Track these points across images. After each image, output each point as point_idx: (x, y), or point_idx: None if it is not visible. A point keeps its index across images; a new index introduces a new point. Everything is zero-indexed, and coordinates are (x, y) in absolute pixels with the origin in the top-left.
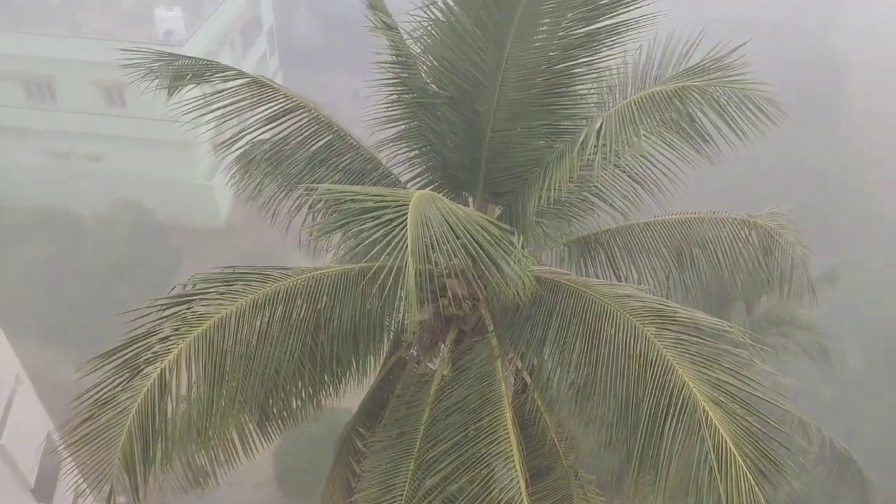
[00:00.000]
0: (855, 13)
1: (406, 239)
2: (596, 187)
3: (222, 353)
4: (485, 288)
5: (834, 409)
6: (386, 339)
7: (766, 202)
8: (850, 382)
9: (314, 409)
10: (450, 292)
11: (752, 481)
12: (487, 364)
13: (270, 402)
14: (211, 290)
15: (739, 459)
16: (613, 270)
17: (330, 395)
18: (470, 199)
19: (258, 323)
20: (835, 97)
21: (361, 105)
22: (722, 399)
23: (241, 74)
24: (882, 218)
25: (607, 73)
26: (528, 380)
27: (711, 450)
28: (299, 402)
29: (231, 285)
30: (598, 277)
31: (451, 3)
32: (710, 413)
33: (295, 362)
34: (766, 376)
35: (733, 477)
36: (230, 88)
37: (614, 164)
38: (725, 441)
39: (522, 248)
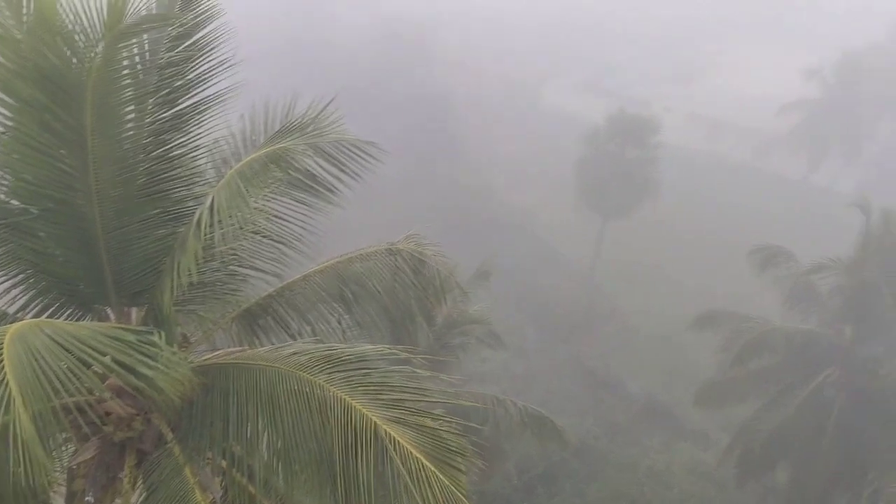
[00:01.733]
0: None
1: (8, 383)
2: (241, 258)
3: None
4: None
5: (526, 379)
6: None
7: (423, 223)
8: (532, 352)
9: None
10: (114, 415)
11: (445, 481)
12: (175, 476)
13: None
14: None
15: (427, 463)
16: (286, 331)
17: None
18: (108, 310)
19: None
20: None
21: None
22: (399, 416)
23: None
24: (517, 224)
25: (216, 146)
26: (232, 472)
27: (401, 465)
28: None
29: None
30: (273, 344)
31: (7, 112)
32: (391, 433)
33: None
34: (457, 370)
35: (426, 481)
36: None
37: (252, 232)
38: (411, 452)
39: (169, 344)
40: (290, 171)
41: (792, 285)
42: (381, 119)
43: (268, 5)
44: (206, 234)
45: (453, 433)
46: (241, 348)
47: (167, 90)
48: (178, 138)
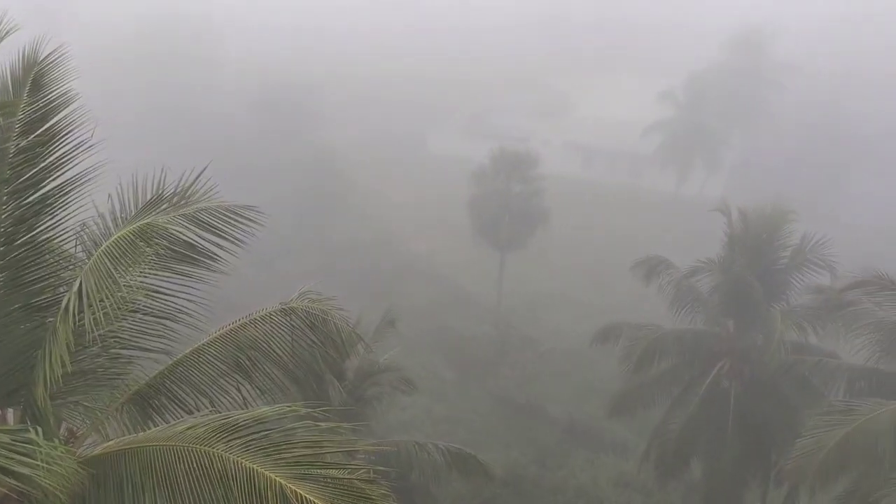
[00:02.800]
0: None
1: None
2: (124, 340)
3: None
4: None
5: (449, 421)
6: None
7: (324, 279)
8: (452, 394)
9: None
10: None
11: None
12: None
13: None
14: None
15: None
16: (183, 409)
17: None
18: None
19: None
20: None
21: None
22: (304, 472)
23: None
24: (421, 269)
25: (85, 228)
26: None
27: None
28: None
29: None
30: (168, 423)
31: None
32: (299, 491)
33: None
34: (377, 421)
35: None
36: None
37: (132, 311)
38: None
39: (48, 439)
40: (160, 245)
41: (675, 290)
42: (270, 184)
43: (144, 78)
44: (76, 321)
45: (370, 481)
46: (132, 434)
47: (27, 175)
48: (45, 222)
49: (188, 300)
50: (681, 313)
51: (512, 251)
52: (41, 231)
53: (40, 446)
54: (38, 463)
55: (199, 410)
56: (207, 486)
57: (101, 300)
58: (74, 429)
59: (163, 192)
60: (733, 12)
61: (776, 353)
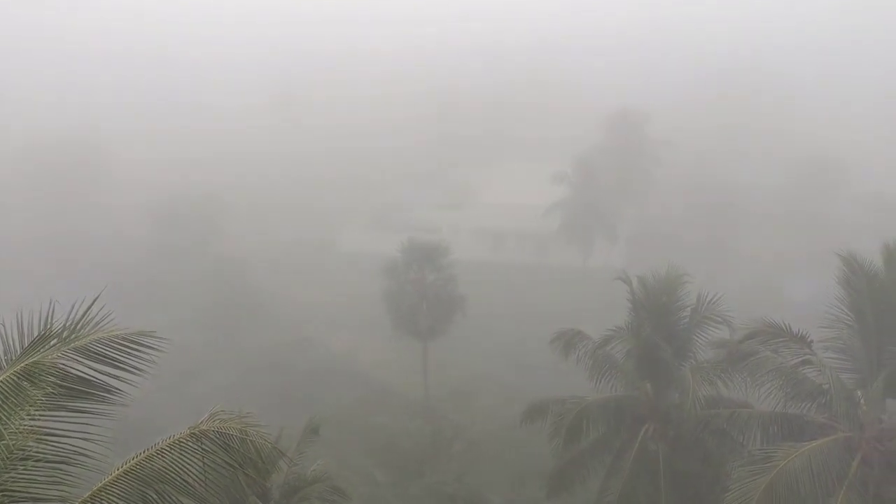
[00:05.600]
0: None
1: None
2: (13, 492)
3: None
4: None
5: None
6: None
7: (243, 393)
8: (386, 496)
9: None
10: None
11: None
12: None
13: None
14: None
15: None
16: None
17: None
18: None
19: None
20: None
21: None
22: None
23: None
24: (343, 370)
25: None
26: None
27: None
28: None
29: None
30: None
31: None
32: None
33: None
34: None
35: None
36: None
37: (22, 458)
38: None
39: None
40: (49, 384)
41: (592, 360)
42: (176, 302)
43: (33, 204)
44: None
45: None
46: None
47: None
48: None
49: (86, 439)
50: (601, 382)
51: (433, 340)
52: None
53: None
54: None
55: None
56: None
57: None
58: None
59: (51, 327)
60: (608, 94)
61: (692, 410)
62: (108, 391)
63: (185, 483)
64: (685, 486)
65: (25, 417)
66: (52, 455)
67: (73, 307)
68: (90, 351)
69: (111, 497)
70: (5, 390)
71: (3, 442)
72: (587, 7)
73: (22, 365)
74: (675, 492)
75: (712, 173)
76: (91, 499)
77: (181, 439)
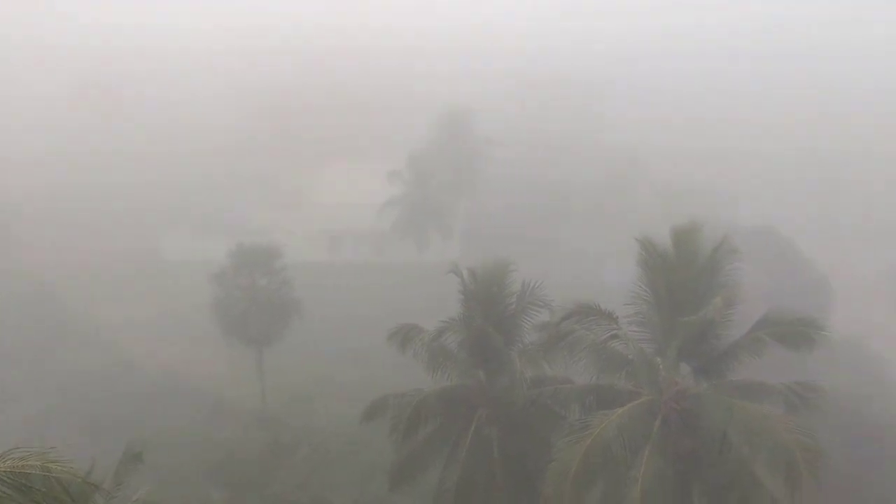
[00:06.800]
0: None
1: None
2: None
3: None
4: None
5: None
6: None
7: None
8: None
9: None
10: None
11: None
12: None
13: None
14: None
15: None
16: None
17: None
18: None
19: None
20: None
21: None
22: None
23: None
24: (171, 388)
25: None
26: None
27: None
28: None
29: None
30: None
31: None
32: None
33: None
34: None
35: None
36: None
37: None
38: None
39: None
40: None
41: (428, 353)
42: None
43: None
44: None
45: None
46: None
47: None
48: None
49: None
50: (437, 374)
51: (269, 346)
52: None
53: None
54: None
55: None
56: None
57: None
58: None
59: None
60: (438, 90)
61: (520, 391)
62: None
63: None
64: (518, 467)
65: None
66: None
67: None
68: None
69: None
70: None
71: None
72: (416, 8)
73: None
74: (509, 474)
75: (540, 171)
76: None
77: None
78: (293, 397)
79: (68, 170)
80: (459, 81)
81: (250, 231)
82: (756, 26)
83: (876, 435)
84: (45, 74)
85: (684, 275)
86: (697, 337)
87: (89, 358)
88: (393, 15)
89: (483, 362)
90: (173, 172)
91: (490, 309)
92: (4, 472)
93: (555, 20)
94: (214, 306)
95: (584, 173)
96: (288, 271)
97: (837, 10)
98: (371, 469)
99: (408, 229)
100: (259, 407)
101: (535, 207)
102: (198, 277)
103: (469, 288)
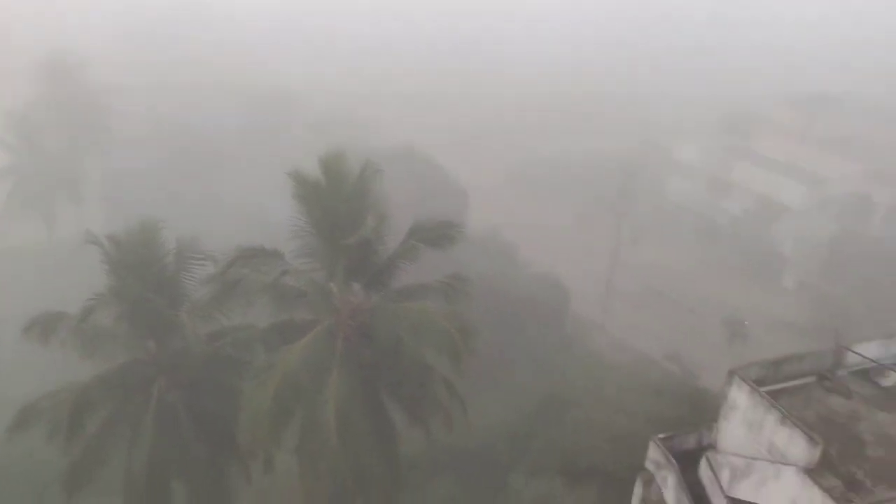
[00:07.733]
0: None
1: None
2: None
3: None
4: None
5: None
6: None
7: None
8: None
9: None
10: None
11: None
12: None
13: None
14: None
15: None
16: None
17: None
18: None
19: None
20: None
21: None
22: None
23: None
24: None
25: None
26: None
27: None
28: None
29: None
30: None
31: None
32: None
33: None
34: None
35: None
36: None
37: None
38: None
39: None
40: None
41: (79, 338)
42: None
43: None
44: None
45: None
46: None
47: None
48: None
49: None
50: (97, 357)
51: None
52: None
53: None
54: None
55: None
56: None
57: None
58: None
59: None
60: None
61: (197, 349)
62: None
63: None
64: (214, 426)
65: None
66: None
67: None
68: None
69: None
70: None
71: None
72: None
73: None
74: (205, 436)
75: (181, 121)
76: None
77: None
78: None
79: None
80: (60, 29)
81: None
82: None
83: (515, 307)
84: None
85: (337, 201)
86: (360, 256)
87: None
88: None
89: (150, 331)
90: None
91: (145, 273)
92: None
93: None
94: None
95: (229, 118)
96: None
97: None
98: (44, 483)
99: (29, 204)
100: None
101: (184, 161)
102: None
103: (114, 257)
